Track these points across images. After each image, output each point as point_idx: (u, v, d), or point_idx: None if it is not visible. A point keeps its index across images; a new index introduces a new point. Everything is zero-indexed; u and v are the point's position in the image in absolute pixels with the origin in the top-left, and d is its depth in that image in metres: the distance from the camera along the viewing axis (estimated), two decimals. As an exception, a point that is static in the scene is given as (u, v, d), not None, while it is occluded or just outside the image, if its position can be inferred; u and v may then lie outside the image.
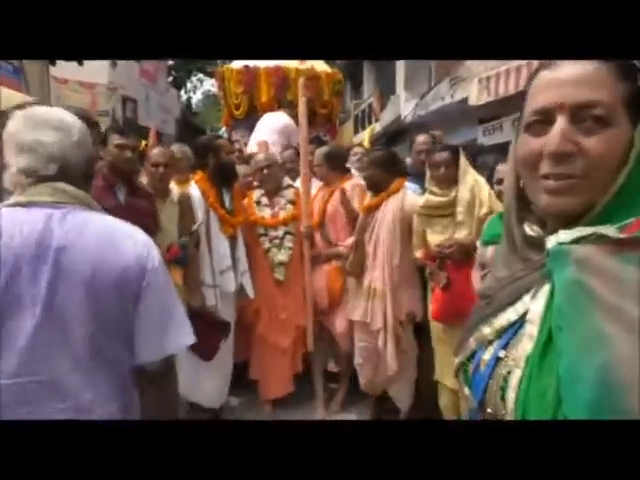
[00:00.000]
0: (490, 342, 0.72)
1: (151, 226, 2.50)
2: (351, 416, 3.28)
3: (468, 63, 6.60)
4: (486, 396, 0.70)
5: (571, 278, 0.59)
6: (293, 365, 3.38)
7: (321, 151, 3.45)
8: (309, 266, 3.28)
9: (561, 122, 0.64)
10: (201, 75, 22.91)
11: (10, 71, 6.43)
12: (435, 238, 2.64)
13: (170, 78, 17.24)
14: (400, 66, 11.49)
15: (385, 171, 2.93)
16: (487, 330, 0.73)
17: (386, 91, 12.21)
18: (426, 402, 2.92)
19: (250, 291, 3.18)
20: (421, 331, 2.89)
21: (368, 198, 2.97)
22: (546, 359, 0.61)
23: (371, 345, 2.99)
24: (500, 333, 0.71)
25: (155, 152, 2.81)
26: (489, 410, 0.70)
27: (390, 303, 2.80)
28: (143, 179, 2.91)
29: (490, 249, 2.19)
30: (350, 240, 3.06)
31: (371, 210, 2.90)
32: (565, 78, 0.66)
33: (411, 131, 10.17)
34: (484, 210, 2.54)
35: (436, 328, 2.68)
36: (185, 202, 2.90)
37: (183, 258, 2.76)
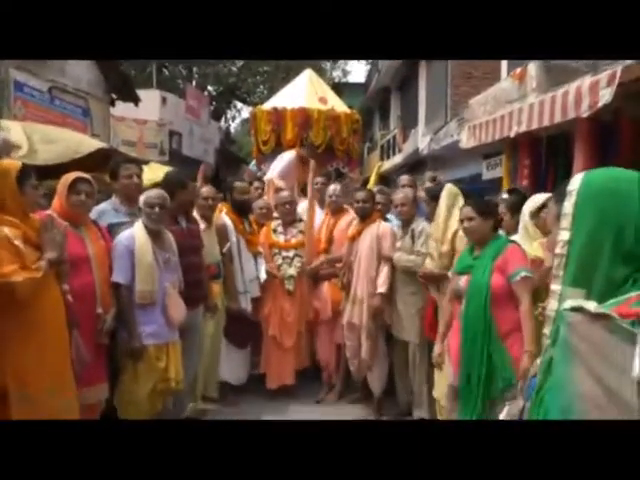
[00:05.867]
0: None
1: (201, 243, 3.51)
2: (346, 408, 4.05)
3: (471, 107, 7.43)
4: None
5: (562, 336, 0.86)
6: (295, 361, 4.22)
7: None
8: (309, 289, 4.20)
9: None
10: (240, 104, 24.40)
11: (80, 114, 7.69)
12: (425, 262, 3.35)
13: (211, 108, 18.62)
14: (422, 102, 12.39)
15: (372, 206, 3.83)
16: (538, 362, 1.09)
17: (410, 124, 13.08)
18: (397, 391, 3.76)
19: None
20: (390, 336, 3.72)
21: (352, 228, 3.87)
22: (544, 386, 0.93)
23: (356, 344, 3.84)
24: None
25: (206, 189, 3.79)
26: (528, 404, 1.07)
27: (366, 306, 3.67)
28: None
29: (463, 278, 2.66)
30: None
31: (355, 238, 3.80)
32: None
33: (427, 162, 11.01)
34: (444, 248, 3.18)
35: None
36: (222, 229, 3.87)
37: (218, 274, 3.74)
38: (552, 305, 1.05)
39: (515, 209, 3.23)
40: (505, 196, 3.51)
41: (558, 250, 0.97)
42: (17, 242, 2.03)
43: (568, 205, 0.97)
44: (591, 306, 0.84)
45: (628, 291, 0.89)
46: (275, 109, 7.71)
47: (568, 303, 0.87)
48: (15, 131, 4.30)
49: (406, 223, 3.64)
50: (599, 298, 0.89)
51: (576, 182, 0.99)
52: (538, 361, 1.08)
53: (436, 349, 2.94)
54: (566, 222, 0.97)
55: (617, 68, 3.43)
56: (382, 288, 3.63)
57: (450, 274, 2.93)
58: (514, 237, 2.86)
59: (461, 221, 2.74)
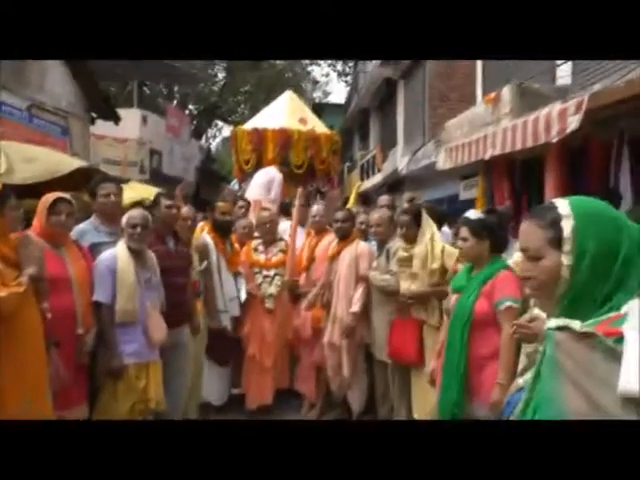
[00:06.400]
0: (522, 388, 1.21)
1: (189, 267, 3.50)
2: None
3: (448, 129, 7.63)
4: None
5: (549, 354, 0.91)
6: (274, 381, 4.19)
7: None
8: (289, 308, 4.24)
9: (522, 259, 1.09)
10: (221, 123, 24.54)
11: (59, 132, 7.65)
12: (403, 284, 3.37)
13: (192, 126, 18.67)
14: (400, 123, 12.65)
15: (351, 226, 3.90)
16: (520, 381, 1.23)
17: (389, 144, 13.32)
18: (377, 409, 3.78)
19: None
20: (370, 356, 3.75)
21: (331, 247, 3.93)
22: (531, 403, 0.97)
23: (336, 362, 3.86)
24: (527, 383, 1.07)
25: (186, 210, 3.77)
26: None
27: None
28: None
29: (454, 297, 2.64)
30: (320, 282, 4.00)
31: (335, 257, 3.85)
32: (520, 232, 1.09)
33: (405, 182, 11.21)
34: (435, 265, 3.19)
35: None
36: (202, 249, 3.89)
37: (199, 292, 3.77)
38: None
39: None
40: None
41: (564, 274, 0.99)
42: None
43: (567, 230, 0.99)
44: (576, 325, 0.88)
45: (606, 312, 0.94)
46: (256, 129, 7.81)
47: (553, 322, 0.92)
48: (-7, 150, 4.27)
49: (381, 243, 3.69)
50: (581, 318, 0.93)
51: (566, 207, 1.02)
52: (520, 380, 1.13)
53: (431, 365, 2.90)
54: (568, 246, 0.99)
55: (584, 96, 3.60)
56: (355, 307, 3.68)
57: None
58: (516, 256, 2.72)
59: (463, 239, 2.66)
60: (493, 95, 6.06)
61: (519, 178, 5.30)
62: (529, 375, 1.08)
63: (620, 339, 0.83)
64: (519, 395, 1.10)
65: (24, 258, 2.15)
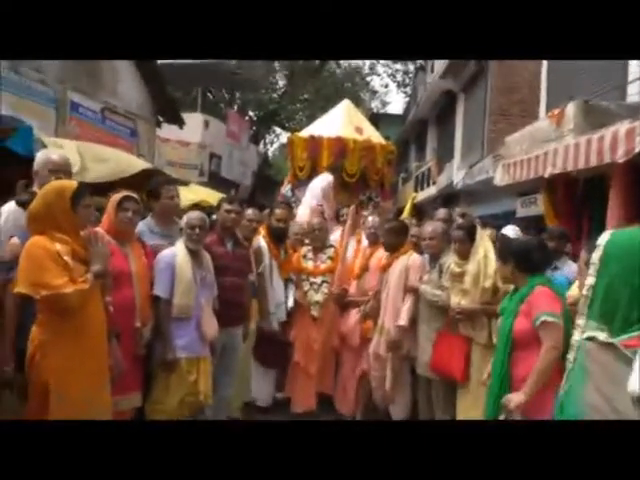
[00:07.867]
0: None
1: (248, 269, 3.62)
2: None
3: (508, 144, 7.46)
4: None
5: (580, 360, 1.19)
6: (317, 387, 4.25)
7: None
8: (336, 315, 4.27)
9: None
10: (279, 129, 25.02)
11: (128, 134, 8.09)
12: (453, 299, 3.36)
13: (251, 132, 19.17)
14: (459, 136, 12.46)
15: (398, 238, 3.87)
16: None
17: (446, 157, 13.13)
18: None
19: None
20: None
21: (384, 258, 3.93)
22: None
23: (381, 374, 3.86)
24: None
25: (250, 212, 3.95)
26: None
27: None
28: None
29: (500, 319, 2.64)
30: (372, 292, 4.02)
31: (386, 268, 3.85)
32: None
33: (460, 196, 11.01)
34: (488, 283, 3.16)
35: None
36: (258, 252, 4.02)
37: (252, 293, 3.89)
38: (575, 336, 1.30)
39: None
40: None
41: (584, 292, 1.18)
42: (66, 258, 2.18)
43: (595, 257, 1.17)
44: (601, 336, 1.08)
45: (637, 330, 1.09)
46: (312, 137, 7.90)
47: (586, 333, 1.13)
48: (69, 149, 4.58)
49: (434, 257, 3.66)
50: (618, 333, 1.11)
51: (604, 237, 1.19)
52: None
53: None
54: (593, 270, 1.16)
55: (655, 115, 3.45)
56: (402, 320, 3.63)
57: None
58: (572, 289, 2.68)
59: None
60: (557, 111, 5.88)
61: (580, 198, 5.10)
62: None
63: (637, 350, 1.00)
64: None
65: (92, 255, 2.28)
